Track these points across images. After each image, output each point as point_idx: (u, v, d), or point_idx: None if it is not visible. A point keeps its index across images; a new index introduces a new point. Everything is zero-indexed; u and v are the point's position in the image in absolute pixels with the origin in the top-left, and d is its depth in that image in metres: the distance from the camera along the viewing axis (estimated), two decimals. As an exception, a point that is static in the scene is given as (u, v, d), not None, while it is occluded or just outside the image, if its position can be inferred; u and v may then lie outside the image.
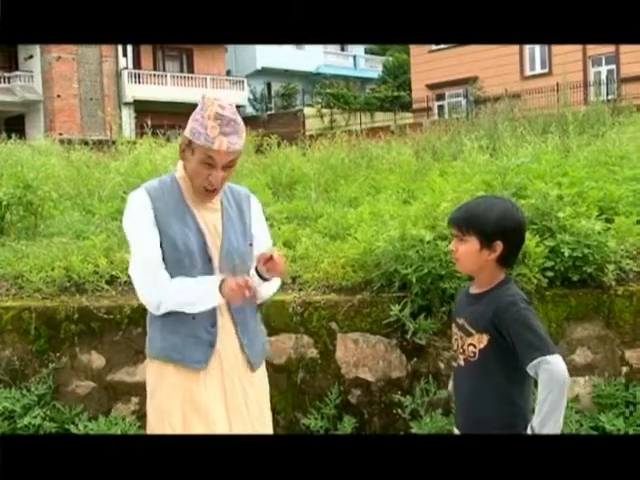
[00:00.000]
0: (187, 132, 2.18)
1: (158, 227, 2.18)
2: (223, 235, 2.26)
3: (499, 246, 2.03)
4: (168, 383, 2.20)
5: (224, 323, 2.24)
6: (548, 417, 1.87)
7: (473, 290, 2.14)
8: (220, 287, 2.12)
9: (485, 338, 2.03)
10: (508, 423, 2.00)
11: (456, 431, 2.22)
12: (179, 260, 2.17)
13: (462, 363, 2.12)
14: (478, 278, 2.12)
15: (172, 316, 2.19)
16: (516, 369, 1.97)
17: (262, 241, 2.39)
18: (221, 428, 2.18)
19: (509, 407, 2.02)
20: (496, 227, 2.02)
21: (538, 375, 1.91)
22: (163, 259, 2.18)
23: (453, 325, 2.20)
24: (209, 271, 2.21)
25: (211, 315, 2.21)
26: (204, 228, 2.23)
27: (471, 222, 2.04)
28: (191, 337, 2.19)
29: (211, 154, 2.14)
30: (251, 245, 2.34)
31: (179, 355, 2.19)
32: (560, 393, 1.88)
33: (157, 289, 2.15)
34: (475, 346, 2.06)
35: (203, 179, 2.18)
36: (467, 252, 2.06)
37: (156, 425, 2.21)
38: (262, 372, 2.38)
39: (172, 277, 2.18)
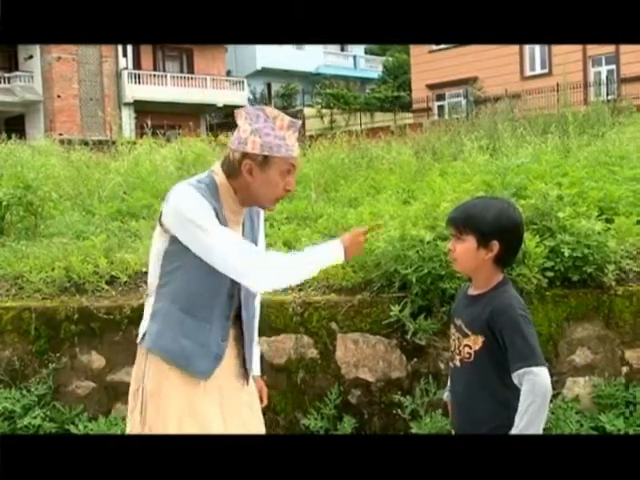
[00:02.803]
0: (257, 149, 2.08)
1: None
2: None
3: (496, 246, 2.03)
4: (168, 383, 2.18)
5: (234, 336, 2.23)
6: (527, 428, 1.88)
7: (471, 291, 2.15)
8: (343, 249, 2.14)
9: (480, 340, 2.04)
10: (502, 424, 1.99)
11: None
12: (211, 267, 2.08)
13: (458, 364, 2.14)
14: (475, 278, 2.13)
15: (189, 320, 2.15)
16: (510, 371, 1.98)
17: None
18: (216, 431, 2.18)
19: (503, 409, 2.02)
20: (493, 226, 2.03)
21: (522, 385, 1.92)
22: (201, 260, 2.09)
23: (451, 325, 2.21)
24: (230, 285, 2.16)
25: (224, 328, 2.19)
26: None
27: (468, 221, 2.06)
28: (202, 347, 2.15)
29: (292, 162, 2.13)
30: None
31: (185, 362, 2.16)
32: (541, 405, 1.89)
33: (267, 268, 2.06)
34: (471, 347, 2.07)
35: (280, 189, 2.15)
36: (464, 251, 2.07)
37: (154, 423, 2.20)
38: (251, 381, 2.39)
39: (202, 280, 2.11)
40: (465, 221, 2.06)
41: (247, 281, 2.08)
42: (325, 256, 2.14)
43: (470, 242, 2.05)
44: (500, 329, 1.99)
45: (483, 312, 2.04)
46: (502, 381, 2.01)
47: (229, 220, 2.17)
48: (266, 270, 2.06)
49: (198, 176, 2.23)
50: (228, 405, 2.23)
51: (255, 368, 2.46)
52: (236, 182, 2.16)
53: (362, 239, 2.21)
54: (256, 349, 2.48)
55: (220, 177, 2.18)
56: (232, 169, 2.14)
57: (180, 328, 2.16)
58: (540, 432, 1.91)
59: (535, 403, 1.88)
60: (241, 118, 2.13)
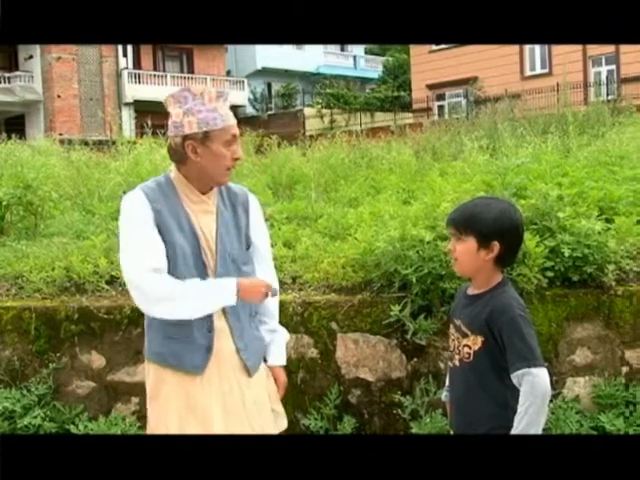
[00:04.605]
0: (194, 128, 2.11)
1: (158, 229, 2.14)
2: (217, 239, 2.22)
3: (496, 246, 2.03)
4: (166, 387, 2.20)
5: (220, 328, 2.23)
6: (527, 430, 1.88)
7: (470, 291, 2.15)
8: (237, 289, 2.12)
9: (479, 340, 2.04)
10: (501, 425, 1.99)
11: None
12: (175, 263, 2.15)
13: (457, 363, 2.14)
14: (475, 279, 2.13)
15: (169, 320, 2.16)
16: (509, 372, 1.98)
17: (260, 247, 2.38)
18: (217, 429, 2.18)
19: (502, 409, 2.02)
20: (493, 227, 2.02)
21: (521, 386, 1.92)
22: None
23: (450, 325, 2.21)
24: (203, 276, 2.18)
25: (208, 320, 2.19)
26: (199, 232, 2.20)
27: (468, 222, 2.05)
28: (188, 342, 2.17)
29: (232, 130, 2.16)
30: (248, 249, 2.33)
31: (176, 360, 2.18)
32: (541, 406, 1.89)
33: (154, 291, 2.09)
34: (470, 347, 2.07)
35: (228, 159, 2.17)
36: (465, 252, 2.07)
37: (156, 427, 2.22)
38: (260, 373, 2.37)
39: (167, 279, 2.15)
40: (466, 222, 2.06)
41: (134, 298, 2.12)
42: (217, 290, 2.12)
43: (471, 243, 2.05)
44: (499, 329, 1.99)
45: (482, 312, 2.04)
46: (501, 381, 2.01)
47: (191, 209, 2.20)
48: (150, 298, 2.09)
49: (156, 177, 2.28)
50: (230, 405, 2.23)
51: (274, 358, 2.43)
52: (186, 168, 2.19)
53: (262, 289, 2.17)
54: (276, 337, 2.46)
55: (175, 172, 2.23)
56: (178, 155, 2.18)
57: (165, 330, 2.19)
58: (539, 433, 1.91)
59: (535, 404, 1.88)
60: (170, 104, 2.18)
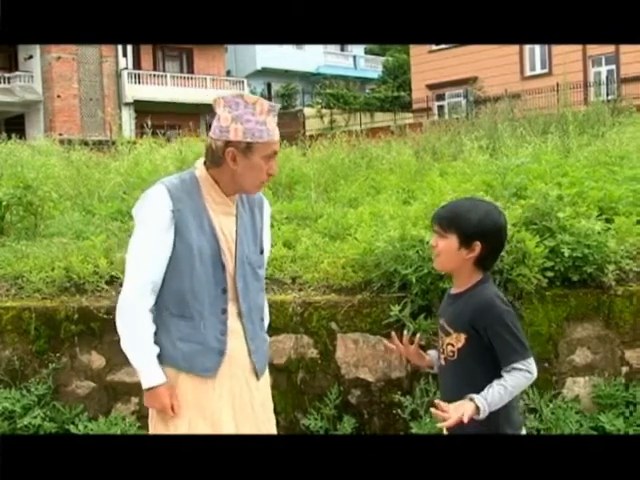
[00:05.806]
0: (239, 137, 2.10)
1: (175, 228, 2.13)
2: (237, 241, 2.22)
3: (477, 246, 2.06)
4: (177, 390, 2.18)
5: (234, 330, 2.23)
6: (504, 401, 1.98)
7: (453, 290, 2.19)
8: (152, 384, 2.15)
9: (463, 337, 2.07)
10: (488, 423, 2.00)
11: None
12: (191, 264, 2.14)
13: (443, 363, 2.17)
14: (456, 277, 2.17)
15: (183, 322, 2.17)
16: (495, 367, 2.01)
17: (265, 252, 2.39)
18: (227, 432, 2.17)
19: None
20: (476, 228, 2.06)
21: (513, 371, 2.00)
22: (177, 260, 2.14)
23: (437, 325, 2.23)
24: (221, 277, 2.19)
25: (221, 322, 2.20)
26: (219, 233, 2.19)
27: (452, 220, 2.09)
28: (201, 345, 2.17)
29: (274, 146, 2.16)
30: (262, 253, 2.34)
31: (188, 364, 2.17)
32: (527, 384, 2.04)
33: (132, 314, 2.16)
34: (453, 345, 2.10)
35: (264, 174, 2.17)
36: (446, 249, 2.10)
37: (164, 428, 2.20)
38: (266, 376, 2.38)
39: (183, 279, 2.15)
40: (450, 220, 2.10)
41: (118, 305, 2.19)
42: (147, 367, 2.15)
43: (452, 240, 2.08)
44: (485, 327, 2.02)
45: (465, 310, 2.07)
46: (487, 377, 2.03)
47: (212, 211, 2.19)
48: (121, 315, 2.17)
49: (180, 173, 2.27)
50: (240, 406, 2.23)
51: None
52: (218, 171, 2.18)
53: (159, 407, 2.16)
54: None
55: (201, 171, 2.21)
56: (215, 158, 2.16)
57: (175, 333, 2.18)
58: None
59: (521, 388, 2.03)
60: (220, 106, 2.14)
